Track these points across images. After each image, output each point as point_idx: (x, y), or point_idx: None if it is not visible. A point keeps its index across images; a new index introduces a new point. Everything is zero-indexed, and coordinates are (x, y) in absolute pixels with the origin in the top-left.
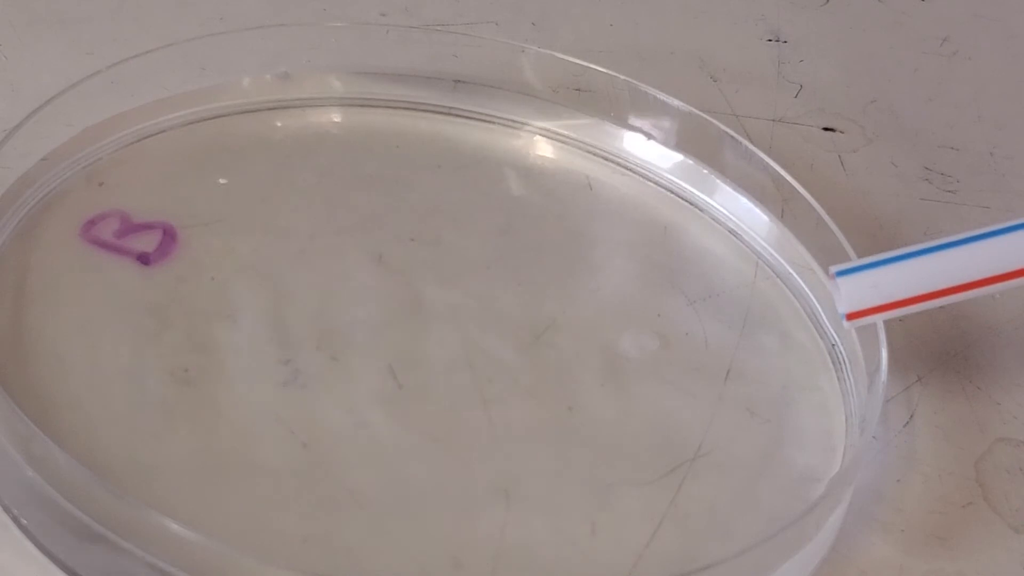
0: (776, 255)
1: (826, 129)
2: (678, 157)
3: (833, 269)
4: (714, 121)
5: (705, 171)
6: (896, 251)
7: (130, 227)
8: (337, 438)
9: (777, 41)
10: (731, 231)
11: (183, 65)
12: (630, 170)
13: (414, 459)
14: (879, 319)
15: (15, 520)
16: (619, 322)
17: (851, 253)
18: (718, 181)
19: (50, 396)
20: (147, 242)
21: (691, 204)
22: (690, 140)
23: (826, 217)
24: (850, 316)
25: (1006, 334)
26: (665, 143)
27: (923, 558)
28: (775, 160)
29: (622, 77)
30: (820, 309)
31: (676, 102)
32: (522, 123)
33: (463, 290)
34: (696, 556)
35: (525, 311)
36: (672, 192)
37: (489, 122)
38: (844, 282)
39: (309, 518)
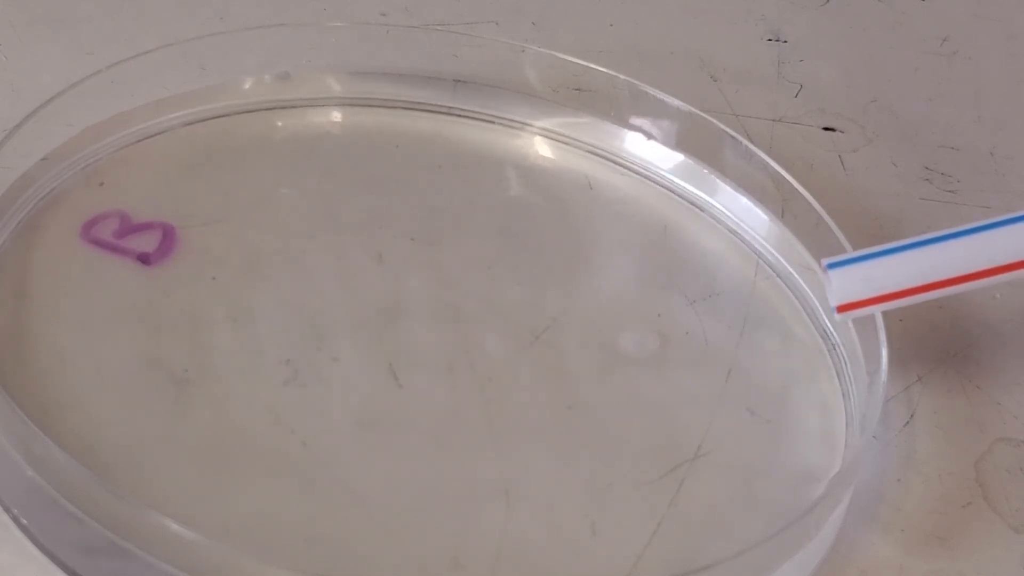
0: (776, 255)
1: (826, 129)
2: (678, 157)
3: (825, 261)
4: (714, 121)
5: (705, 171)
6: (888, 244)
7: (130, 227)
8: (337, 438)
9: (777, 41)
10: (731, 231)
11: (183, 65)
12: (630, 170)
13: (414, 459)
14: (870, 312)
15: (15, 520)
16: (619, 322)
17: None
18: (718, 181)
19: (50, 396)
20: (147, 242)
21: (691, 204)
22: (690, 140)
23: (826, 217)
24: (841, 309)
25: (1006, 334)
26: (665, 143)
27: (923, 558)
28: (775, 160)
29: (622, 77)
30: (820, 309)
31: (676, 102)
32: (522, 123)
33: (463, 290)
34: (696, 556)
35: (525, 311)
36: (672, 192)
37: (489, 122)
38: (835, 275)
39: (309, 518)
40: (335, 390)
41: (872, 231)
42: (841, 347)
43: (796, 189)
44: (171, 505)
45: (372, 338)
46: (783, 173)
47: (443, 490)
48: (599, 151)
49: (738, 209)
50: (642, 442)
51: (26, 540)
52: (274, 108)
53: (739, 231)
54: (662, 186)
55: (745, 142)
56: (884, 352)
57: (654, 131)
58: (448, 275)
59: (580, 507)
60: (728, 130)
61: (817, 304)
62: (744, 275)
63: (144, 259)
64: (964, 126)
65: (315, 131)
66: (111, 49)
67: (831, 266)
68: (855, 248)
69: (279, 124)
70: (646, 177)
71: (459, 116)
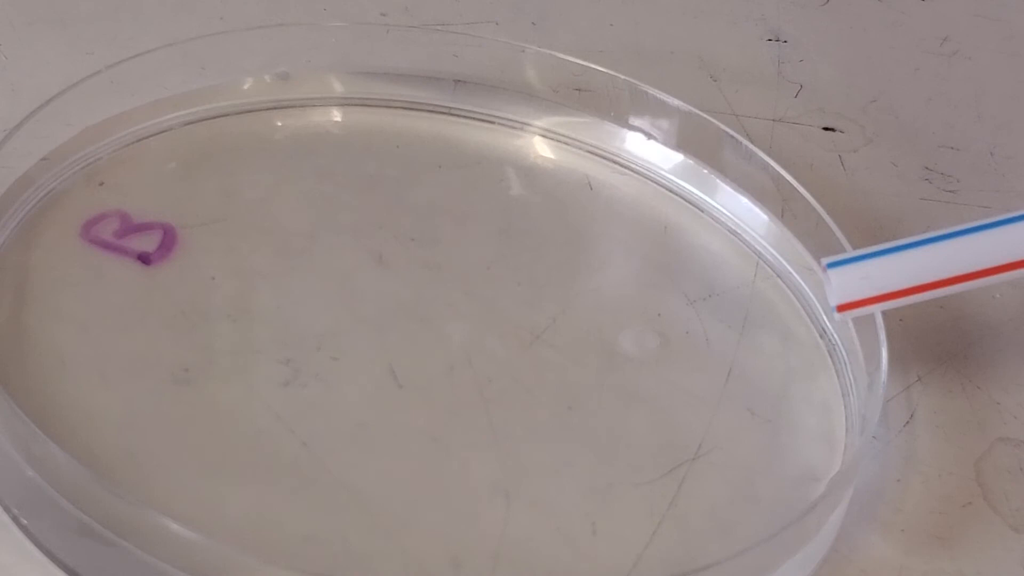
0: (776, 255)
1: (826, 129)
2: (678, 157)
3: (824, 261)
4: (714, 121)
5: (705, 171)
6: (888, 243)
7: (130, 227)
8: (337, 438)
9: (777, 41)
10: (731, 231)
11: (183, 65)
12: (630, 170)
13: (414, 459)
14: (870, 311)
15: (15, 520)
16: (619, 321)
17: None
18: (718, 181)
19: (50, 396)
20: (147, 242)
21: (691, 204)
22: (690, 140)
23: (826, 217)
24: (840, 308)
25: (1006, 334)
26: (665, 143)
27: (923, 558)
28: (775, 160)
29: (622, 77)
30: (820, 309)
31: (676, 102)
32: (522, 123)
33: (463, 290)
34: (696, 556)
35: (525, 311)
36: (672, 192)
37: (489, 122)
38: (835, 274)
39: (309, 518)
40: (335, 390)
41: (872, 231)
42: (841, 347)
43: (796, 189)
44: (171, 505)
45: (372, 338)
46: (783, 173)
47: (443, 490)
48: (599, 151)
49: (738, 209)
50: (642, 442)
51: (26, 540)
52: (274, 108)
53: (739, 231)
54: (662, 186)
55: (745, 142)
56: (884, 352)
57: (654, 131)
58: (448, 275)
59: (580, 507)
60: (728, 130)
61: (817, 304)
62: (744, 275)
63: (144, 259)
64: (964, 126)
65: (315, 131)
66: (111, 49)
67: (831, 265)
68: (855, 248)
69: (279, 124)
70: (646, 177)
71: (459, 116)
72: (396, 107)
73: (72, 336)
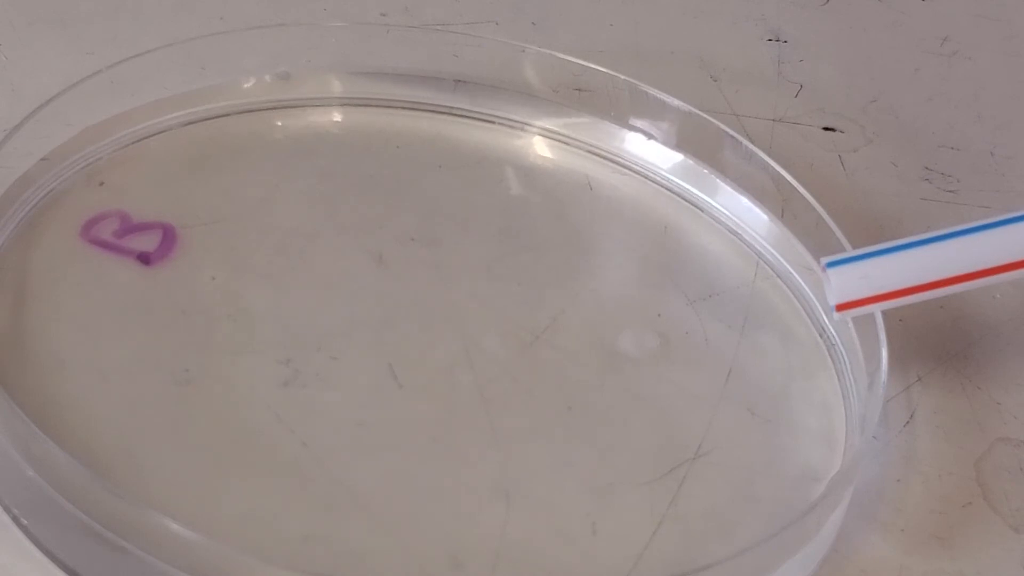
0: (776, 255)
1: (826, 129)
2: (678, 157)
3: (823, 260)
4: (714, 121)
5: (705, 171)
6: (887, 243)
7: (130, 227)
8: (337, 438)
9: (777, 41)
10: (731, 231)
11: (183, 65)
12: (630, 170)
13: (414, 459)
14: (869, 311)
15: (15, 520)
16: (619, 322)
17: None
18: (718, 181)
19: (50, 396)
20: (147, 242)
21: (691, 204)
22: (690, 140)
23: (826, 217)
24: (840, 307)
25: (1006, 334)
26: (665, 143)
27: (923, 558)
28: (775, 160)
29: (622, 77)
30: (820, 309)
31: (676, 102)
32: (522, 123)
33: (463, 290)
34: (696, 556)
35: (525, 311)
36: (672, 192)
37: (489, 122)
38: (834, 273)
39: (309, 518)
40: (335, 390)
41: (872, 231)
42: (841, 347)
43: (796, 189)
44: (171, 505)
45: (372, 338)
46: (783, 173)
47: (443, 490)
48: (599, 151)
49: (738, 209)
50: (642, 442)
51: (26, 540)
52: (274, 108)
53: (739, 231)
54: (662, 186)
55: (745, 142)
56: (884, 352)
57: (654, 131)
58: (448, 275)
59: (580, 507)
60: (728, 130)
61: (817, 304)
62: (744, 275)
63: (144, 259)
64: (964, 126)
65: (315, 131)
66: (111, 49)
67: (830, 265)
68: (855, 248)
69: (279, 124)
70: (646, 177)
71: (459, 116)
72: (396, 107)
73: (72, 336)
